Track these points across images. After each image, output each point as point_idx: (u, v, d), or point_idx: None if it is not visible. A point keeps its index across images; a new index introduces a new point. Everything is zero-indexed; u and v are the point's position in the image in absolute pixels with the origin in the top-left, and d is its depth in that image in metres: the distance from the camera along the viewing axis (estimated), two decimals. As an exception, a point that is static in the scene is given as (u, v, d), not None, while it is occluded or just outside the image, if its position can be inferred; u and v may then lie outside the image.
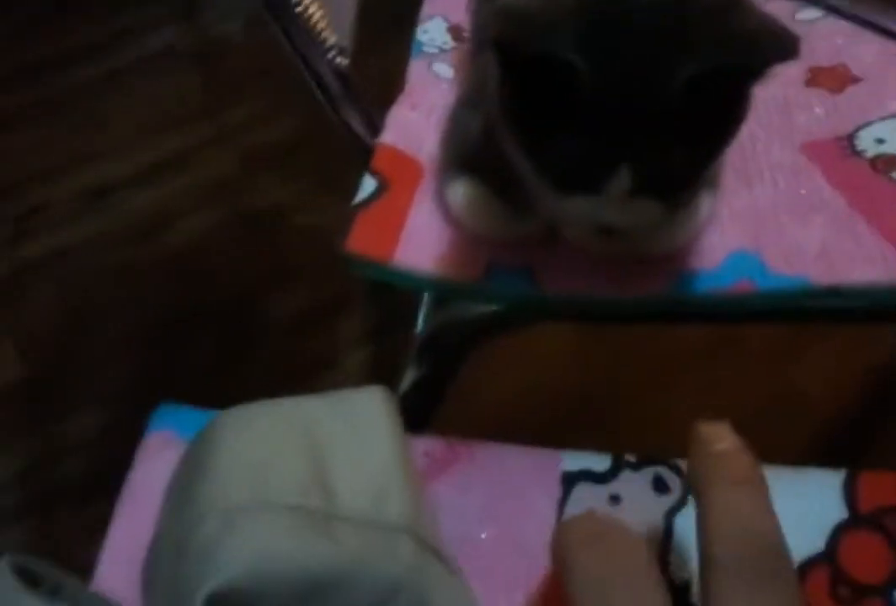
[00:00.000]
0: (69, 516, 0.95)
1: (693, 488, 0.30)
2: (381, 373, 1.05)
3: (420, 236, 0.51)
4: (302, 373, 1.09)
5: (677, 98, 0.39)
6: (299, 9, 0.46)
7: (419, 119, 0.59)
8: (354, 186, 0.56)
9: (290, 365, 1.10)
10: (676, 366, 0.95)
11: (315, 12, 0.48)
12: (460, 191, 0.51)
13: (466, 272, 0.49)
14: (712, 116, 0.41)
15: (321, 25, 0.49)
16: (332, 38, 0.50)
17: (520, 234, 0.50)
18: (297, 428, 0.33)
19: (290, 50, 0.49)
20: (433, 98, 0.61)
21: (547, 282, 0.49)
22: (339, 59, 0.51)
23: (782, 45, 0.37)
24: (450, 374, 0.56)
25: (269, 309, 1.16)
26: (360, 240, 0.49)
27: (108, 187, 1.31)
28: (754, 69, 0.39)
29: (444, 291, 0.51)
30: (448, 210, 0.51)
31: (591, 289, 0.48)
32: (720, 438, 0.30)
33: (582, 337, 0.95)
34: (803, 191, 0.51)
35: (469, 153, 0.51)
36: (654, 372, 0.95)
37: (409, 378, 0.59)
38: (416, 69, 0.64)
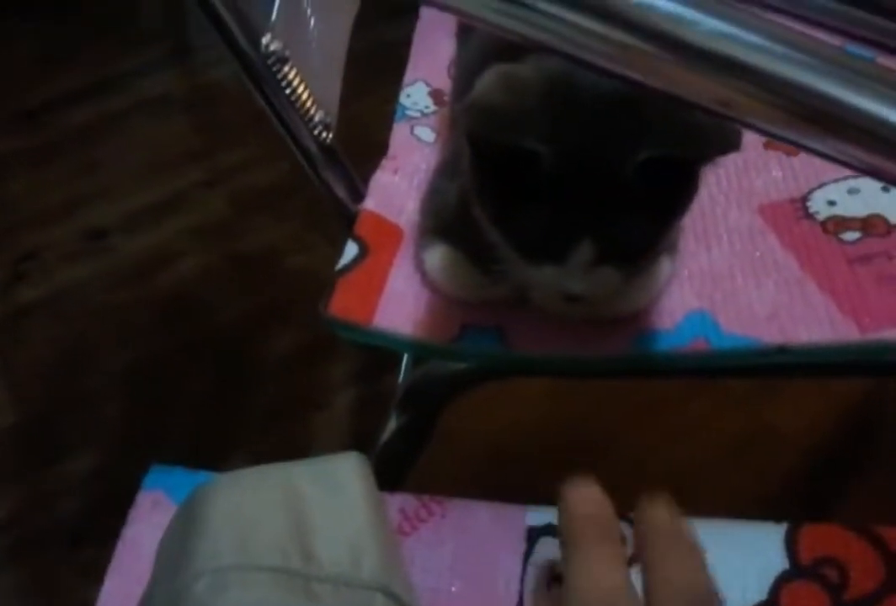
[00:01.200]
0: (61, 559, 0.97)
1: (561, 547, 0.34)
2: (368, 414, 1.07)
3: (398, 299, 0.54)
4: (293, 414, 1.11)
5: (632, 178, 0.42)
6: (284, 85, 0.50)
7: (401, 183, 0.62)
8: (343, 233, 0.59)
9: (280, 406, 1.13)
10: (651, 412, 0.98)
11: (302, 91, 0.51)
12: (437, 257, 0.54)
13: (441, 333, 0.52)
14: (664, 194, 0.44)
15: (308, 104, 0.52)
16: (318, 115, 0.54)
17: (492, 297, 0.53)
18: (280, 493, 0.35)
19: (276, 123, 0.52)
20: (415, 162, 0.64)
21: (516, 341, 0.52)
22: (324, 134, 0.54)
23: (726, 138, 0.41)
24: (428, 424, 0.59)
25: (260, 351, 1.19)
26: (341, 304, 0.53)
27: (103, 230, 1.34)
28: (699, 158, 0.43)
29: (421, 352, 0.54)
30: (425, 274, 0.55)
31: (557, 348, 0.51)
32: (584, 500, 0.35)
33: (555, 390, 0.97)
34: (758, 254, 0.54)
35: (445, 221, 0.55)
36: (628, 418, 0.98)
37: (391, 427, 0.62)
38: (398, 133, 0.68)
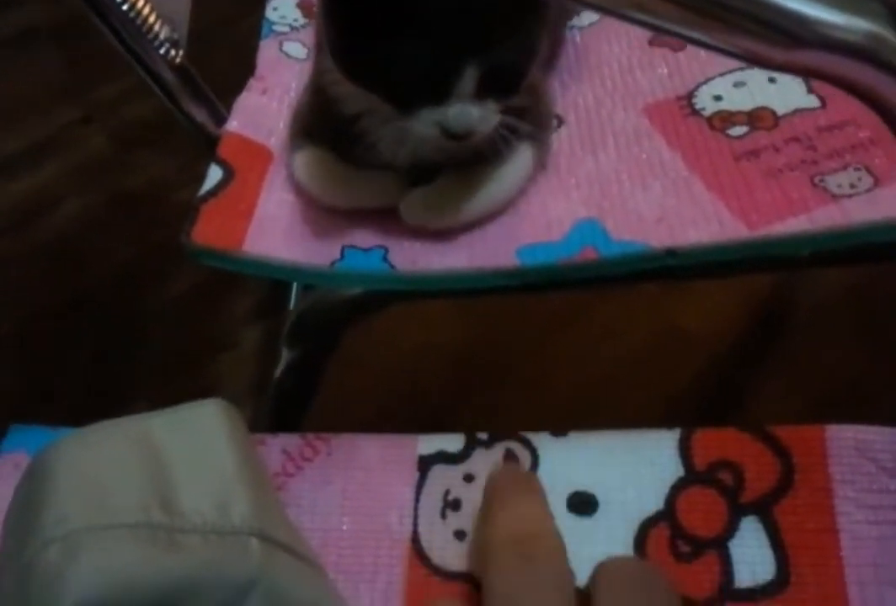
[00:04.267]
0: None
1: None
2: (275, 349, 1.04)
3: (271, 223, 0.50)
4: (197, 357, 1.08)
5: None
6: (125, 6, 0.45)
7: (270, 104, 0.58)
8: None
9: (183, 349, 1.09)
10: (559, 323, 0.97)
11: (143, 6, 0.46)
12: (303, 160, 0.51)
13: (320, 256, 0.49)
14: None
15: (150, 19, 0.47)
16: (163, 32, 0.49)
17: (366, 203, 0.51)
18: (136, 446, 0.33)
19: (115, 43, 0.47)
20: (286, 81, 0.60)
21: (400, 261, 0.49)
22: (172, 52, 0.50)
23: None
24: (321, 358, 0.57)
25: (156, 293, 1.14)
26: (205, 231, 0.49)
27: (-26, 177, 1.25)
28: None
29: (298, 277, 0.51)
30: (296, 184, 0.51)
31: (442, 264, 0.49)
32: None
33: (463, 310, 0.96)
34: (644, 156, 0.52)
35: (306, 119, 0.52)
36: (536, 332, 0.97)
37: (282, 361, 0.59)
38: (266, 50, 0.63)
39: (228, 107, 0.61)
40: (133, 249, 1.17)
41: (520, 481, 0.36)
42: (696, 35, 0.29)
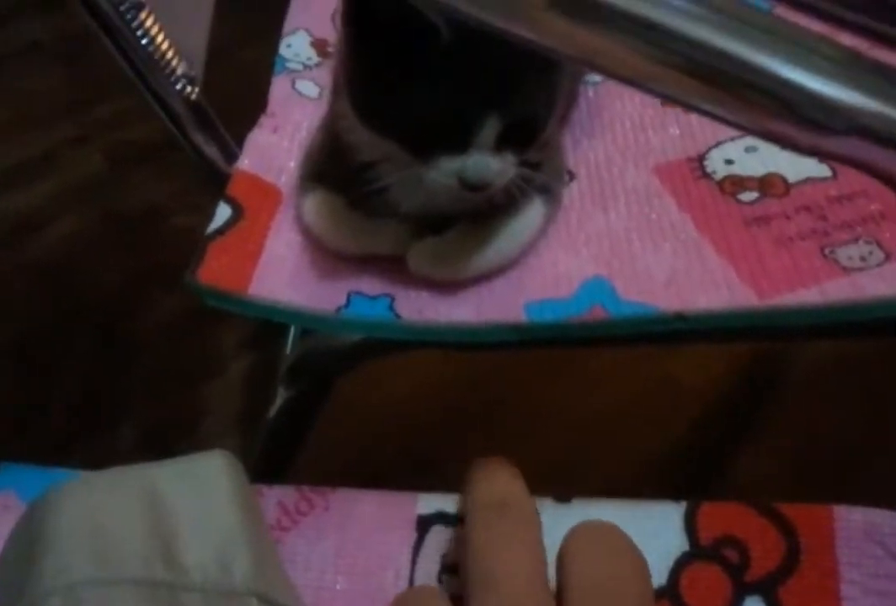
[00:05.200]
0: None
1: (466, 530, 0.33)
2: (265, 380, 1.03)
3: (277, 265, 0.50)
4: (184, 382, 1.06)
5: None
6: (141, 35, 0.44)
7: (281, 142, 0.57)
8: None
9: (171, 375, 1.07)
10: (549, 372, 0.97)
11: (161, 41, 0.46)
12: (313, 203, 0.51)
13: (326, 301, 0.49)
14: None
15: (168, 55, 0.47)
16: (180, 68, 0.48)
17: (376, 250, 0.50)
18: (140, 496, 0.32)
19: (133, 78, 0.47)
20: (297, 119, 0.59)
21: (406, 310, 0.49)
22: (188, 88, 0.49)
23: None
24: (317, 402, 0.56)
25: (146, 318, 1.12)
26: (212, 271, 0.48)
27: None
28: None
29: (303, 322, 0.50)
30: (305, 229, 0.51)
31: (450, 316, 0.48)
32: (492, 482, 0.35)
33: (443, 355, 0.95)
34: (654, 216, 0.52)
35: (318, 162, 0.52)
36: (528, 377, 0.97)
37: (278, 402, 0.58)
38: (278, 87, 0.62)
39: (234, 136, 0.61)
40: (124, 273, 1.16)
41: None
42: (720, 113, 0.28)
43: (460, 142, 0.43)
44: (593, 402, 0.94)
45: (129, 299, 1.13)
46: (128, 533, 0.31)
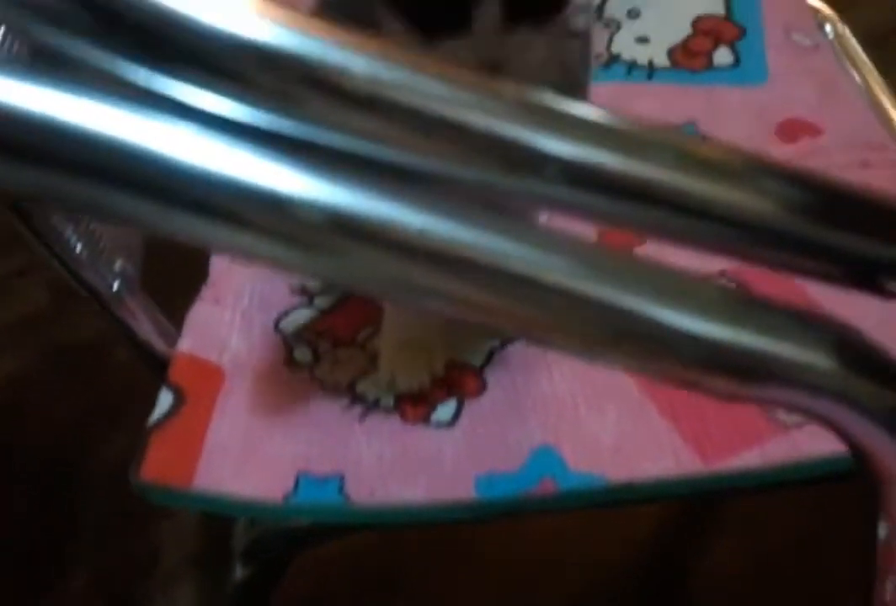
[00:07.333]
0: None
1: None
2: (217, 521, 1.00)
3: (221, 453, 0.49)
4: (138, 523, 1.03)
5: None
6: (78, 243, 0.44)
7: (222, 314, 0.57)
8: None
9: (123, 514, 1.04)
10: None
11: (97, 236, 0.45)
12: None
13: (273, 488, 0.48)
14: None
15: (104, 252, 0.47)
16: (116, 264, 0.48)
17: None
18: None
19: (60, 268, 0.47)
20: (237, 286, 0.58)
21: (356, 491, 0.48)
22: (118, 286, 0.49)
23: None
24: (274, 577, 0.54)
25: (91, 457, 1.10)
26: (155, 465, 0.48)
27: None
28: None
29: (250, 514, 0.49)
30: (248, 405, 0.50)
31: (400, 494, 0.48)
32: None
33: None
34: (598, 377, 0.53)
35: None
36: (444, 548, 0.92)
37: (236, 577, 0.57)
38: (219, 259, 0.60)
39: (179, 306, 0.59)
40: (69, 409, 1.13)
41: None
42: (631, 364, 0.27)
43: (461, 20, 0.40)
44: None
45: (73, 438, 1.11)
46: None
